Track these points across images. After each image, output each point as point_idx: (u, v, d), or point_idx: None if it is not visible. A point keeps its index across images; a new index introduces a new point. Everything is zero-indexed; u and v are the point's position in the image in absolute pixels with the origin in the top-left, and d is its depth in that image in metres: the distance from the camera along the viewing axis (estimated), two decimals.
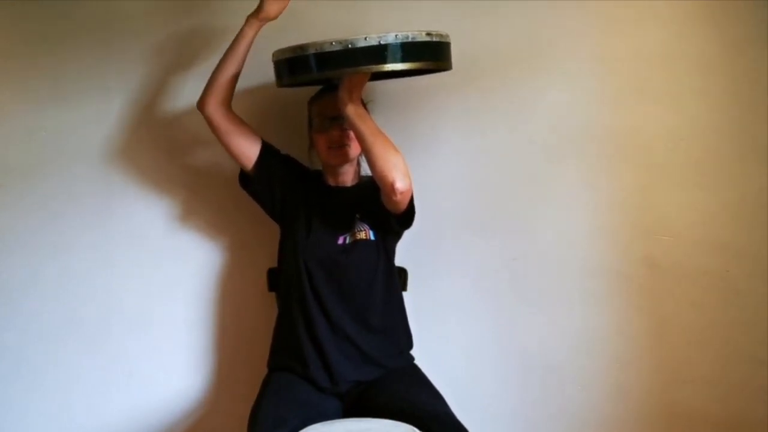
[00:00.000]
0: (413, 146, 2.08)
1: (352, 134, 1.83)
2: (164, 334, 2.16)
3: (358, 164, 1.96)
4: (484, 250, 2.12)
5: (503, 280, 2.12)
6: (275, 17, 1.86)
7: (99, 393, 2.17)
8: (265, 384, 1.87)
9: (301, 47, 1.65)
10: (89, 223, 2.15)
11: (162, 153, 2.15)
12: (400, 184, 1.70)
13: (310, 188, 1.96)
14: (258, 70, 1.92)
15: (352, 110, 1.71)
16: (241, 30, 1.86)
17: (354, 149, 1.88)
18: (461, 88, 2.08)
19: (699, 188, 2.06)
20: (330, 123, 1.87)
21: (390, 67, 1.62)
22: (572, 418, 2.12)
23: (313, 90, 1.97)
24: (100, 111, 2.14)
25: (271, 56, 1.76)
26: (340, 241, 1.88)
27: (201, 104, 1.89)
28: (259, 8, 1.84)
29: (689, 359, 2.08)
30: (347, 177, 1.95)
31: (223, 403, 2.16)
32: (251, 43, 1.86)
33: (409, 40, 1.63)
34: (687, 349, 2.08)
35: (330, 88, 1.90)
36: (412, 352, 1.98)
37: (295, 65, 1.69)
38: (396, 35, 1.61)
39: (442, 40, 1.70)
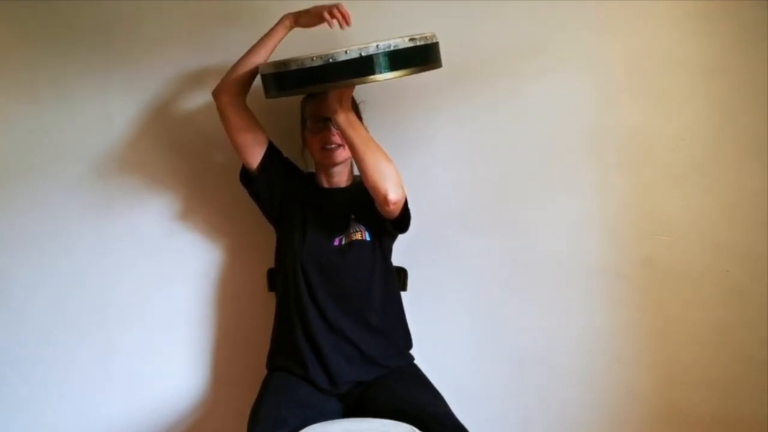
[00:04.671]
0: (412, 146, 2.08)
1: None
2: (164, 334, 2.16)
3: (351, 164, 1.96)
4: (483, 250, 2.12)
5: (503, 280, 2.12)
6: (308, 27, 1.86)
7: (99, 393, 2.17)
8: (265, 384, 1.87)
9: (284, 63, 1.64)
10: (89, 223, 2.15)
11: (162, 153, 2.15)
12: (392, 195, 1.70)
13: (305, 191, 1.96)
14: None
15: (342, 118, 1.72)
16: (274, 28, 1.87)
17: (348, 150, 1.88)
18: (460, 87, 2.08)
19: (699, 188, 2.06)
20: (324, 124, 1.88)
21: (375, 78, 1.60)
22: (572, 418, 2.12)
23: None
24: (100, 111, 2.14)
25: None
26: (336, 242, 1.88)
27: (217, 92, 1.89)
28: (298, 16, 1.85)
29: (689, 359, 2.08)
30: (341, 178, 1.95)
31: (222, 403, 2.16)
32: (279, 41, 1.87)
33: (392, 49, 1.59)
34: (687, 349, 2.08)
35: None
36: (412, 351, 1.98)
37: (279, 81, 1.68)
38: (377, 45, 1.58)
39: (427, 42, 1.67)
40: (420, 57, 1.66)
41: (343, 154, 1.89)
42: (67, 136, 2.15)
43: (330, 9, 1.78)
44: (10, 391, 2.17)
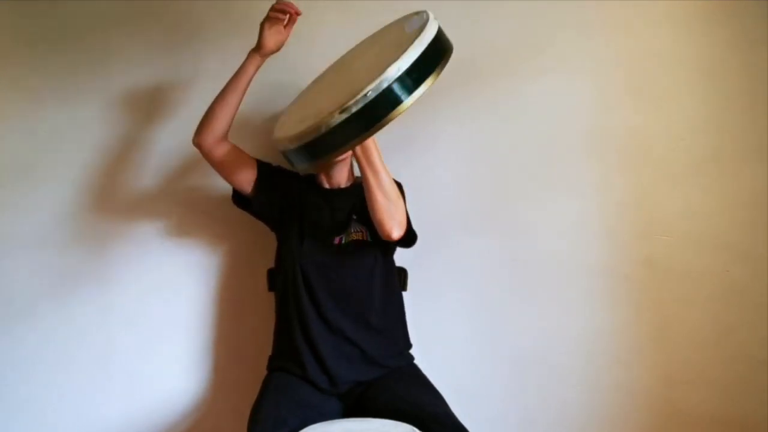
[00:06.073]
0: (413, 146, 2.08)
1: None
2: (164, 335, 2.16)
3: (351, 164, 1.96)
4: (483, 250, 2.12)
5: (503, 280, 2.12)
6: (277, 50, 1.83)
7: (99, 393, 2.16)
8: (265, 384, 1.87)
9: (289, 140, 1.51)
10: (89, 222, 2.15)
11: (163, 152, 2.15)
12: (396, 235, 1.74)
13: (305, 192, 1.95)
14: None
15: (359, 150, 1.68)
16: (243, 65, 1.82)
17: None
18: (460, 87, 2.08)
19: (699, 188, 2.06)
20: None
21: (382, 125, 1.43)
22: (572, 418, 2.11)
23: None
24: (100, 111, 2.14)
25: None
26: (336, 241, 1.88)
27: (198, 140, 1.85)
28: (259, 43, 1.81)
29: (689, 359, 2.08)
30: (341, 178, 1.95)
31: (222, 403, 2.16)
32: (252, 78, 1.83)
33: (370, 98, 1.39)
34: (687, 349, 2.08)
35: None
36: (412, 351, 1.98)
37: (291, 159, 1.58)
38: (366, 94, 1.38)
39: (402, 72, 1.42)
40: (408, 87, 1.44)
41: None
42: (67, 136, 2.15)
43: (271, 14, 1.76)
44: (10, 391, 2.17)
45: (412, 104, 1.43)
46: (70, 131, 2.15)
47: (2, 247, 2.16)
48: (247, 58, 1.82)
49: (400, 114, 1.43)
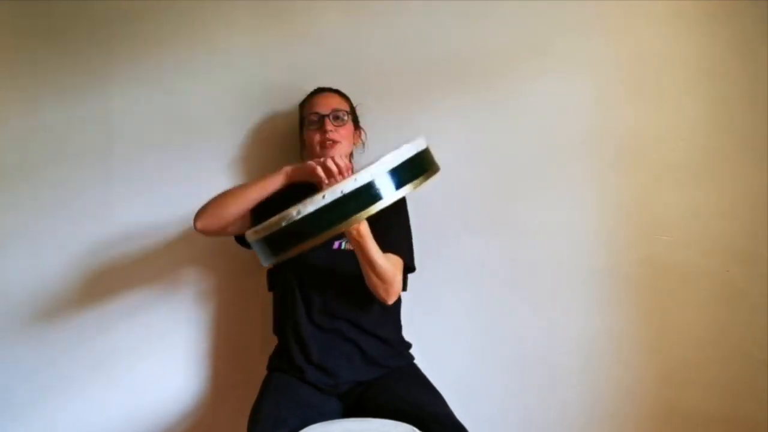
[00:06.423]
0: None
1: (343, 131, 1.89)
2: (164, 334, 2.16)
3: (351, 165, 1.95)
4: (484, 250, 2.12)
5: (503, 280, 2.12)
6: (300, 181, 1.82)
7: (99, 393, 2.16)
8: (265, 384, 1.87)
9: (253, 234, 1.52)
10: (89, 223, 2.15)
11: (162, 151, 2.15)
12: (390, 302, 1.80)
13: (305, 195, 1.93)
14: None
15: (349, 237, 1.70)
16: (270, 178, 1.82)
17: (346, 145, 1.90)
18: (460, 87, 2.08)
19: (699, 188, 2.06)
20: (322, 120, 1.88)
21: (352, 223, 1.44)
22: (572, 418, 2.11)
23: (302, 94, 1.98)
24: (100, 111, 2.14)
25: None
26: (336, 245, 1.87)
27: (203, 228, 1.83)
28: (293, 172, 1.80)
29: (689, 359, 2.08)
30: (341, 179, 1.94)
31: (222, 404, 2.16)
32: (275, 192, 1.82)
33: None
34: (687, 349, 2.08)
35: (320, 88, 1.90)
36: (412, 351, 1.98)
37: (260, 252, 1.55)
38: (297, 211, 1.40)
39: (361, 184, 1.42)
40: (373, 193, 1.46)
41: (341, 148, 1.89)
42: (67, 136, 2.15)
43: (323, 164, 1.72)
44: (11, 392, 2.17)
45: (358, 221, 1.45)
46: (70, 131, 2.15)
47: (2, 248, 2.16)
48: (278, 174, 1.81)
49: (338, 232, 1.45)
